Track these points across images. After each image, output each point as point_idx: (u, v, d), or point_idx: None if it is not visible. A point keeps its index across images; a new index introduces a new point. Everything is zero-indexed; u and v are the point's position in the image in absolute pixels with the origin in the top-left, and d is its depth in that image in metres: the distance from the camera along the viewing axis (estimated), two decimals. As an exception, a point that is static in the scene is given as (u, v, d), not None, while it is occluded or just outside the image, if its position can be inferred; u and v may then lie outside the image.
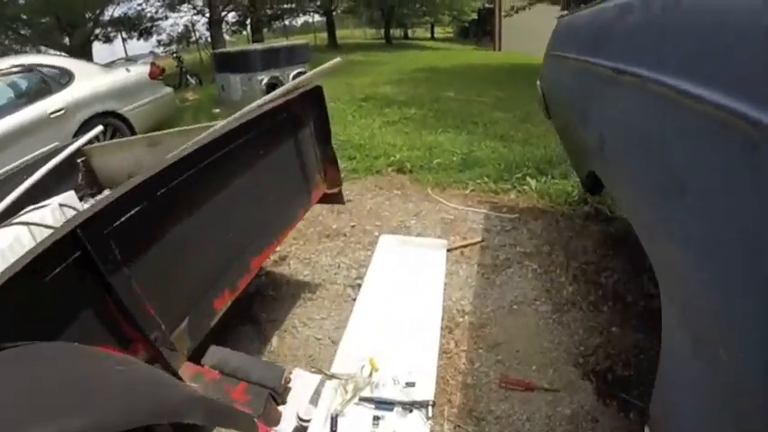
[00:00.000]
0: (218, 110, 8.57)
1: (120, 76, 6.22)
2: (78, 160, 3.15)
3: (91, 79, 5.74)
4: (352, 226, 3.46)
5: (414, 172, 4.32)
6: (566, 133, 2.79)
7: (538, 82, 3.33)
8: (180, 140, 2.88)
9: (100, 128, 3.79)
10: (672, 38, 1.06)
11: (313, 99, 2.42)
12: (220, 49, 12.27)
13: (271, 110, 2.07)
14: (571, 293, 2.68)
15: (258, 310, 2.77)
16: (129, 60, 11.03)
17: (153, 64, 7.15)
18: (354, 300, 2.65)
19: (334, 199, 2.71)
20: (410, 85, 10.04)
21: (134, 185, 1.37)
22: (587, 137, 1.86)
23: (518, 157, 4.55)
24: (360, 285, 2.76)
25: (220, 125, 1.90)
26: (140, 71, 6.65)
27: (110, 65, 9.01)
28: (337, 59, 2.39)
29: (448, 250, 2.98)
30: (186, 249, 1.64)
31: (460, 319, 2.51)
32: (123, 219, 1.36)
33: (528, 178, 3.98)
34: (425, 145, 4.99)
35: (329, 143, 2.56)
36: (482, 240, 3.11)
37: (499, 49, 23.14)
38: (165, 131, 3.32)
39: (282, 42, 11.07)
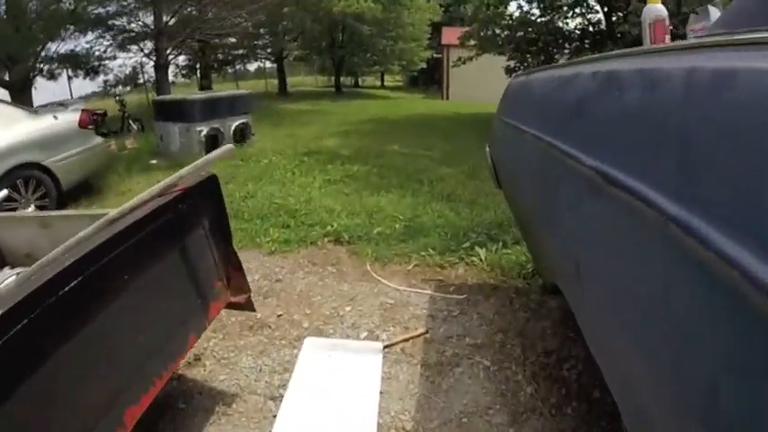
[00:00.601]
0: (154, 161, 8.04)
1: (46, 124, 5.60)
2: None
3: (15, 126, 5.12)
4: (279, 315, 3.00)
5: (352, 243, 3.91)
6: (522, 223, 2.43)
7: (487, 148, 3.00)
8: (71, 225, 2.47)
9: (5, 192, 3.30)
10: (710, 160, 0.64)
11: (206, 191, 1.99)
12: (160, 97, 11.75)
13: (149, 213, 1.63)
14: (530, 396, 2.28)
15: (165, 428, 2.27)
16: (62, 105, 10.32)
17: (84, 111, 6.59)
18: (275, 417, 2.20)
19: (243, 307, 2.27)
20: (356, 137, 9.76)
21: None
22: (556, 252, 1.46)
23: (466, 222, 4.22)
24: (283, 396, 2.31)
25: (82, 235, 1.46)
26: (69, 119, 6.04)
27: (43, 108, 8.35)
28: (228, 147, 1.99)
29: (387, 346, 2.56)
30: (36, 413, 1.22)
31: (400, 441, 2.07)
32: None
33: (477, 248, 3.63)
34: (366, 210, 4.60)
35: (230, 243, 2.13)
36: (426, 331, 2.70)
37: (447, 98, 23.48)
38: (58, 213, 2.88)
39: (224, 92, 10.67)
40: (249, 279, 3.55)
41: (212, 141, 8.43)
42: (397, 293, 3.13)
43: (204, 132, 8.39)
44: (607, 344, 0.99)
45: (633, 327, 0.83)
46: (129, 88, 21.69)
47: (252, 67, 33.83)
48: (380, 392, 2.24)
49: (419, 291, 3.14)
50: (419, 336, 2.66)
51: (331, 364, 2.28)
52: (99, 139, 6.66)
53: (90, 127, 6.45)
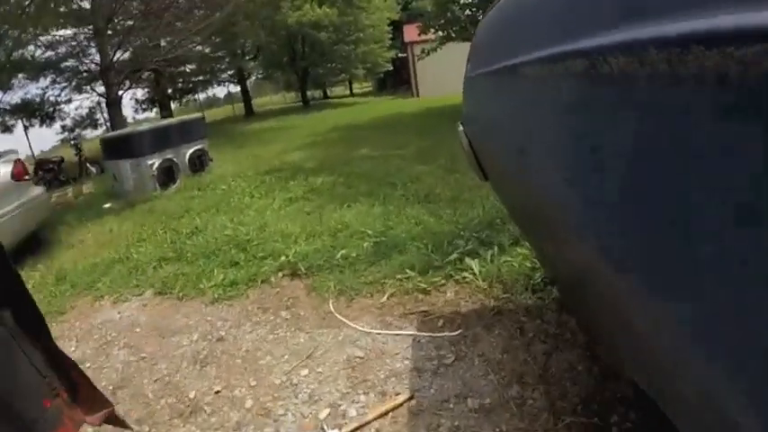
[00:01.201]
0: (108, 204, 7.25)
1: (-28, 179, 4.84)
2: None
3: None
4: (217, 392, 2.20)
5: (311, 275, 3.11)
6: (533, 221, 1.63)
7: (460, 127, 2.22)
8: None
9: None
10: None
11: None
12: (106, 134, 11.01)
13: None
14: (573, 481, 1.52)
15: None
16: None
17: (18, 161, 5.79)
18: None
19: (111, 422, 1.48)
20: (322, 147, 9.00)
21: None
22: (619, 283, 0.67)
23: (449, 227, 3.45)
24: None
25: None
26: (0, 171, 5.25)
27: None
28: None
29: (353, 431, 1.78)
30: None
31: None
32: None
33: (467, 259, 2.86)
34: (329, 229, 3.81)
35: (49, 338, 1.33)
36: (411, 396, 1.91)
37: (417, 96, 22.82)
38: None
39: (173, 119, 9.87)
40: (186, 340, 2.79)
41: (167, 174, 7.68)
42: (368, 340, 2.34)
43: (156, 165, 7.60)
44: None
45: None
46: (98, 131, 20.94)
47: (222, 93, 33.18)
48: None
49: (398, 332, 2.34)
50: (401, 405, 1.87)
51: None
52: (38, 190, 5.86)
53: (26, 178, 5.65)
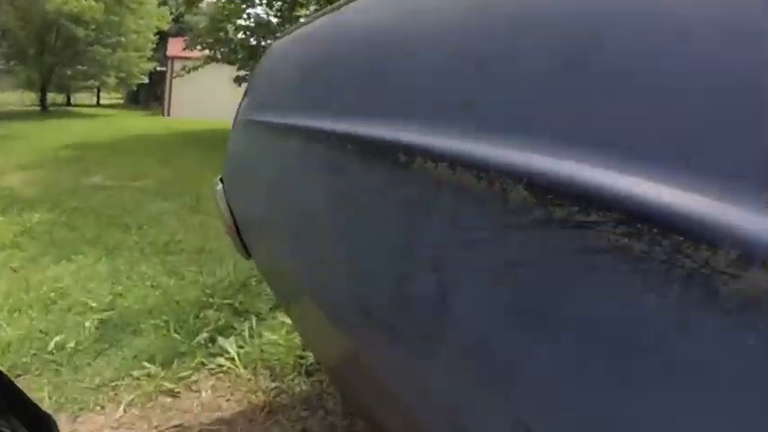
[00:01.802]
0: None
1: None
2: None
3: None
4: None
5: (16, 379, 2.26)
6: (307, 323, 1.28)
7: (218, 186, 1.76)
8: None
9: None
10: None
11: None
12: None
13: None
14: None
15: None
16: None
17: None
18: None
19: None
20: (50, 169, 7.53)
21: None
22: None
23: (195, 292, 2.91)
24: None
25: None
26: None
27: None
28: None
29: None
30: None
31: None
32: None
33: (221, 338, 2.38)
34: (41, 298, 2.87)
35: None
36: None
37: (168, 115, 21.39)
38: None
39: None
40: None
41: None
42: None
43: None
44: None
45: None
46: None
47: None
48: None
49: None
50: None
51: None
52: None
53: None
